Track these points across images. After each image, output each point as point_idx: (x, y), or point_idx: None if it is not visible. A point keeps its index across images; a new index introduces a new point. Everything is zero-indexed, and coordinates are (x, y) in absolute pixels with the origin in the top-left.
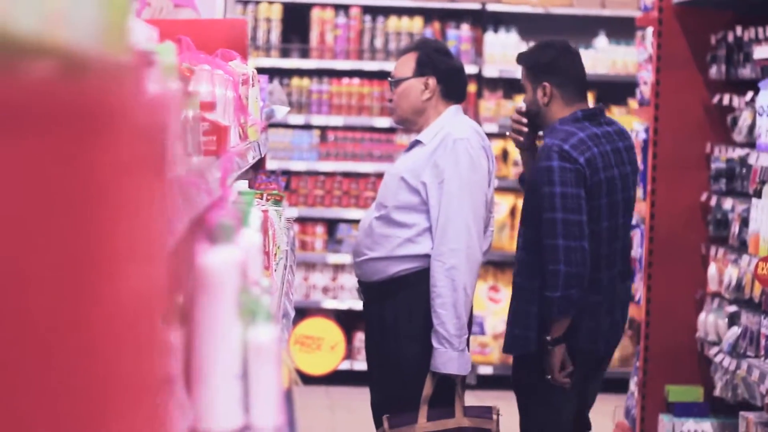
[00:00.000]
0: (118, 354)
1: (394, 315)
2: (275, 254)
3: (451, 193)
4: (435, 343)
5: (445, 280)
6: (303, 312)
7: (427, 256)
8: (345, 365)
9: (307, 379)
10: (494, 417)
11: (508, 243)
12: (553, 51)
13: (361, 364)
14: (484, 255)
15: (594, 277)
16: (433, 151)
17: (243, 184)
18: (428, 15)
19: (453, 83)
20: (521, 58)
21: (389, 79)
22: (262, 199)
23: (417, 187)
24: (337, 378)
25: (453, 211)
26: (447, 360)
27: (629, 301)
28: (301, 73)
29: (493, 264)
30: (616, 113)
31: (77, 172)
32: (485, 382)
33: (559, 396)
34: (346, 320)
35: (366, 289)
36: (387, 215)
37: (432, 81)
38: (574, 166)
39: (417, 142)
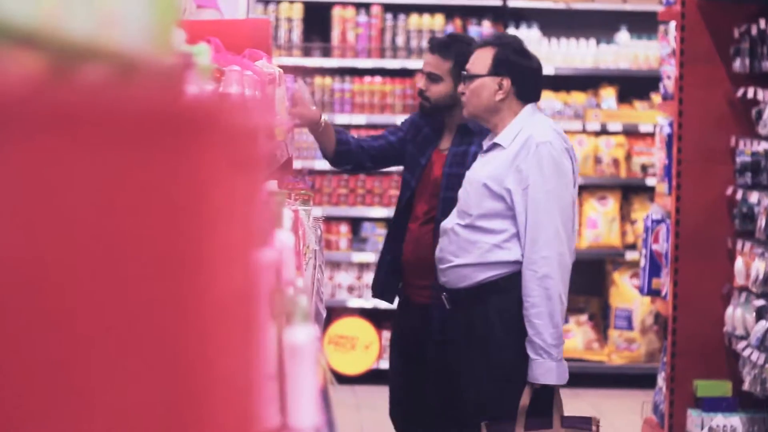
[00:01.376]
0: (220, 352)
1: (482, 321)
2: (305, 254)
3: (538, 199)
4: (532, 354)
5: (539, 289)
6: (329, 311)
7: (517, 262)
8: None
9: (335, 375)
10: (593, 428)
11: None
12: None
13: (386, 363)
14: (572, 257)
15: None
16: (515, 156)
17: (273, 184)
18: (449, 12)
19: (528, 85)
20: (450, 52)
21: (463, 72)
22: (290, 198)
23: (501, 194)
24: (364, 377)
25: (541, 217)
26: (545, 371)
27: None
28: (323, 72)
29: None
30: (638, 108)
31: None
32: None
33: None
34: (371, 319)
35: (452, 295)
36: (472, 223)
37: (507, 82)
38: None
39: (495, 145)
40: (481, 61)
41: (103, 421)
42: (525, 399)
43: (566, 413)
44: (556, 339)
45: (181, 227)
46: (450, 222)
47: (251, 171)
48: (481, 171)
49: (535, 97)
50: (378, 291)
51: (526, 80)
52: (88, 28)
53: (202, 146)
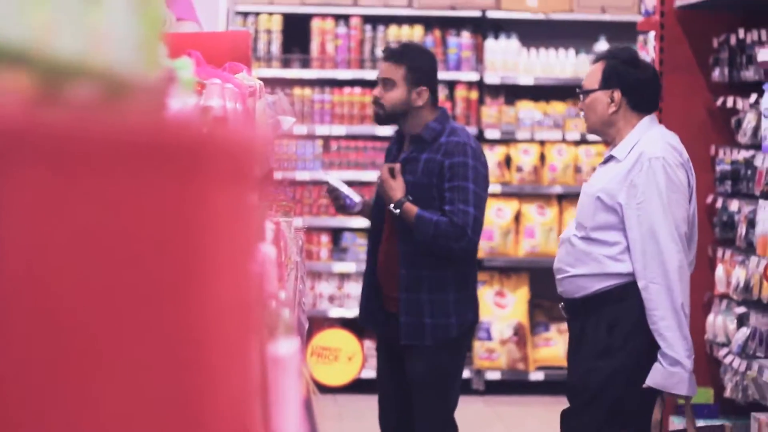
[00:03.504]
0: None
1: (596, 330)
2: (287, 265)
3: (653, 215)
4: (666, 365)
5: (665, 302)
6: (310, 321)
7: (629, 275)
8: None
9: (318, 386)
10: None
11: (513, 249)
12: (431, 57)
13: (369, 373)
14: (691, 268)
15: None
16: (629, 170)
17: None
18: (428, 23)
19: (641, 95)
20: (401, 57)
21: (577, 89)
22: (271, 210)
23: (614, 207)
24: (345, 386)
25: (658, 232)
26: (678, 381)
27: None
28: (302, 83)
29: (498, 270)
30: None
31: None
32: (493, 388)
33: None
34: (353, 329)
35: (569, 306)
36: (587, 235)
37: (617, 94)
38: (483, 170)
39: (611, 157)
40: (593, 75)
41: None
42: (657, 413)
43: (551, 421)
44: (688, 350)
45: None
46: (568, 233)
47: (246, 190)
48: (596, 184)
49: (650, 107)
50: (362, 318)
51: (637, 91)
52: (77, 47)
53: (196, 168)
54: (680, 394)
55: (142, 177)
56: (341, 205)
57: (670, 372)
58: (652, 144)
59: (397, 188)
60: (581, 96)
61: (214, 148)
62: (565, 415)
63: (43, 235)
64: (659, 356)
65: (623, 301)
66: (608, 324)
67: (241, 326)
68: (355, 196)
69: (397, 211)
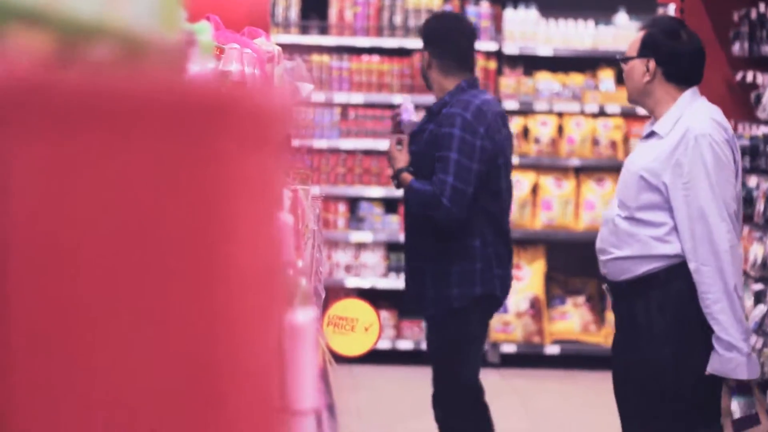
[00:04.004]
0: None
1: (645, 314)
2: (304, 234)
3: (701, 195)
4: (721, 350)
5: (718, 284)
6: (326, 291)
7: (677, 256)
8: None
9: (334, 356)
10: None
11: (530, 221)
12: (439, 22)
13: (384, 344)
14: (740, 248)
15: (499, 230)
16: (674, 148)
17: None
18: None
19: (678, 66)
20: (422, 31)
21: (617, 56)
22: (289, 177)
23: (659, 187)
24: (361, 356)
25: (707, 213)
26: (736, 366)
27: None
28: (320, 50)
29: (515, 242)
30: None
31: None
32: (508, 361)
33: (475, 347)
34: (368, 298)
35: (614, 288)
36: (631, 215)
37: (652, 63)
38: (475, 140)
39: (653, 133)
40: (634, 43)
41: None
42: (725, 400)
43: (566, 395)
44: (743, 333)
45: (200, 210)
46: (611, 212)
47: (270, 153)
48: (639, 161)
49: (690, 80)
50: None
51: (674, 61)
52: (95, 6)
53: (217, 130)
54: (741, 379)
55: (162, 138)
56: (396, 123)
57: (728, 357)
58: (698, 120)
59: (400, 159)
60: (622, 63)
61: (234, 110)
62: (624, 404)
63: (60, 195)
64: (714, 341)
65: (670, 283)
66: (658, 308)
67: (262, 292)
68: (413, 116)
69: (395, 181)
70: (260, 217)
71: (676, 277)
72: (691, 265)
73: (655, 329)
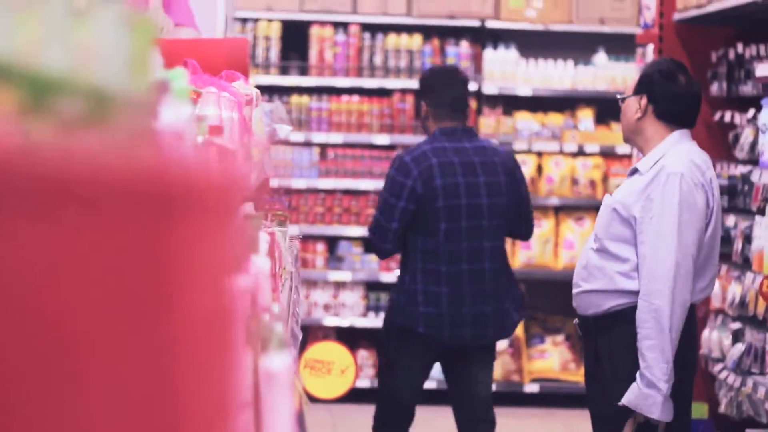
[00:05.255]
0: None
1: (609, 351)
2: (281, 275)
3: (661, 231)
4: (641, 386)
5: (652, 321)
6: (305, 330)
7: None
8: None
9: (311, 398)
10: None
11: (509, 260)
12: (432, 75)
13: (363, 382)
14: (703, 294)
15: (433, 269)
16: (648, 184)
17: (249, 206)
18: (427, 32)
19: (670, 106)
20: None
21: (618, 95)
22: (267, 219)
23: (629, 220)
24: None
25: (661, 250)
26: (651, 404)
27: (504, 290)
28: (300, 90)
29: None
30: (616, 130)
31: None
32: None
33: (398, 374)
34: (347, 338)
35: (582, 323)
36: (602, 247)
37: (644, 100)
38: (405, 180)
39: (636, 170)
40: (632, 82)
41: None
42: (628, 430)
43: None
44: (667, 374)
45: (155, 279)
46: (587, 245)
47: (225, 224)
48: (617, 195)
49: (681, 122)
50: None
51: (667, 101)
52: (65, 62)
53: (177, 199)
54: (653, 417)
55: (118, 209)
56: None
57: (645, 393)
58: (675, 159)
59: None
60: (620, 102)
61: (191, 178)
62: None
63: (21, 264)
64: (637, 375)
65: (635, 322)
66: (624, 346)
67: (220, 345)
68: None
69: None
70: (217, 278)
71: None
72: (639, 299)
73: (618, 367)
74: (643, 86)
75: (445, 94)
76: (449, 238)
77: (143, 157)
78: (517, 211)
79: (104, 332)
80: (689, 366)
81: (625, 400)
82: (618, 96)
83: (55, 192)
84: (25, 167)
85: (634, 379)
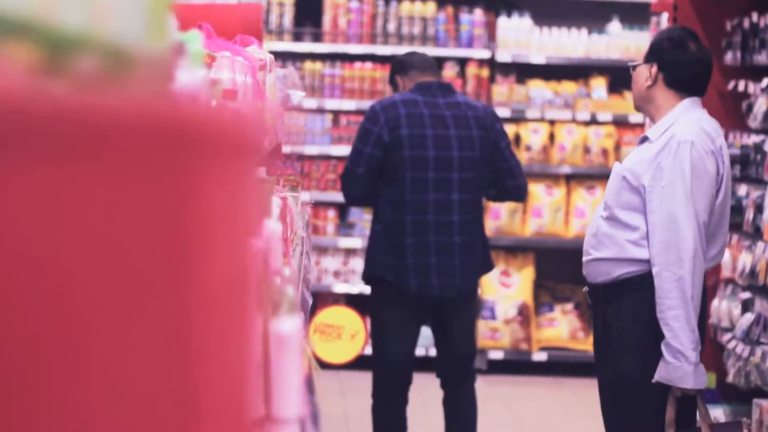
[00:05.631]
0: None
1: (618, 319)
2: (292, 240)
3: (674, 200)
4: (669, 357)
5: (675, 291)
6: (314, 296)
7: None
8: None
9: (320, 363)
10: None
11: (520, 228)
12: (394, 60)
13: (371, 350)
14: (714, 262)
15: (399, 219)
16: (658, 153)
17: (261, 171)
18: (441, 0)
19: (680, 74)
20: None
21: (629, 63)
22: (279, 184)
23: (639, 189)
24: (349, 363)
25: (678, 218)
26: (683, 375)
27: (475, 246)
28: (313, 57)
29: (504, 249)
30: (629, 98)
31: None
32: (496, 367)
33: (386, 328)
34: (357, 304)
35: (592, 291)
36: (612, 215)
37: (654, 68)
38: (372, 127)
39: (646, 138)
40: (644, 51)
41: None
42: (671, 410)
43: (553, 402)
44: (694, 342)
45: (174, 228)
46: (597, 212)
47: (243, 171)
48: (626, 163)
49: (691, 90)
50: None
51: (677, 69)
52: (82, 19)
53: (194, 148)
54: (686, 388)
55: (138, 156)
56: None
57: (675, 365)
58: (685, 127)
59: None
60: (631, 70)
61: (208, 127)
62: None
63: (39, 213)
64: (663, 347)
65: (645, 289)
66: (632, 314)
67: (238, 305)
68: None
69: None
70: (237, 232)
71: (650, 285)
72: (654, 269)
73: (626, 335)
74: (653, 54)
75: (409, 61)
76: (415, 188)
77: (162, 104)
78: (494, 167)
79: (121, 278)
80: (700, 336)
81: (657, 376)
82: (629, 64)
83: (74, 135)
84: (44, 111)
85: (641, 349)
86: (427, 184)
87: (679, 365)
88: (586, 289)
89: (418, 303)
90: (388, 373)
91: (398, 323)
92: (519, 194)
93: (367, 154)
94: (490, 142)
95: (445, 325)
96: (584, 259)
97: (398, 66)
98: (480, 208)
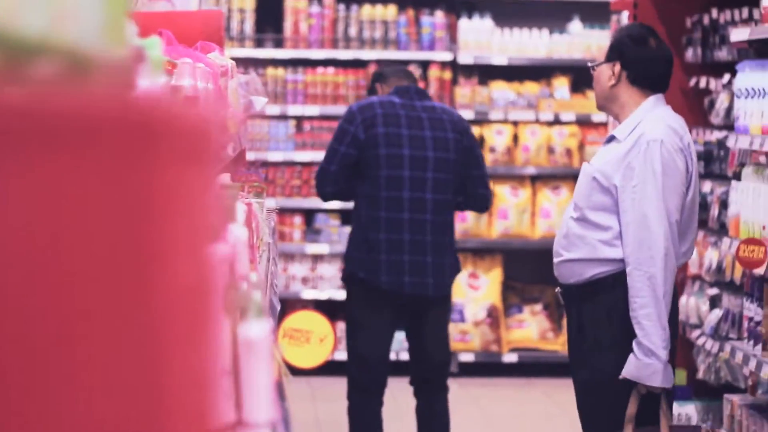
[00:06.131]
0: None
1: (592, 319)
2: (258, 246)
3: (646, 199)
4: (639, 355)
5: (647, 289)
6: (283, 303)
7: (624, 261)
8: None
9: (290, 369)
10: None
11: (486, 230)
12: (374, 71)
13: (341, 355)
14: (684, 258)
15: (373, 216)
16: (627, 152)
17: (226, 177)
18: (402, 2)
19: (643, 71)
20: None
21: (589, 63)
22: (243, 191)
23: (610, 189)
24: (319, 368)
25: (649, 217)
26: (652, 372)
27: (445, 247)
28: (275, 63)
29: (471, 251)
30: (591, 98)
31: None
32: (466, 370)
33: (359, 327)
34: (326, 310)
35: (564, 291)
36: (583, 216)
37: (617, 67)
38: (348, 127)
39: (613, 137)
40: (604, 50)
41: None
42: (632, 406)
43: (525, 403)
44: (665, 340)
45: (134, 228)
46: (566, 213)
47: (204, 171)
48: (595, 163)
49: (655, 86)
50: None
51: (637, 65)
52: (42, 24)
53: (155, 147)
54: (654, 386)
55: (96, 155)
56: None
57: (645, 363)
58: (653, 126)
59: None
60: (592, 70)
61: (170, 127)
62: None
63: None
64: (634, 345)
65: (617, 289)
66: (605, 313)
67: (202, 309)
68: None
69: None
70: (197, 232)
71: (623, 283)
72: (627, 268)
73: (601, 335)
74: (615, 53)
75: (388, 70)
76: (390, 186)
77: (122, 107)
78: (467, 174)
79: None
80: (672, 333)
81: (625, 372)
82: (590, 64)
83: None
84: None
85: (616, 347)
86: (402, 182)
87: (650, 363)
88: (558, 289)
89: (391, 302)
90: (362, 373)
91: (372, 322)
92: (487, 204)
93: (341, 153)
94: (464, 146)
95: (418, 328)
96: (555, 260)
97: (378, 75)
98: (451, 210)
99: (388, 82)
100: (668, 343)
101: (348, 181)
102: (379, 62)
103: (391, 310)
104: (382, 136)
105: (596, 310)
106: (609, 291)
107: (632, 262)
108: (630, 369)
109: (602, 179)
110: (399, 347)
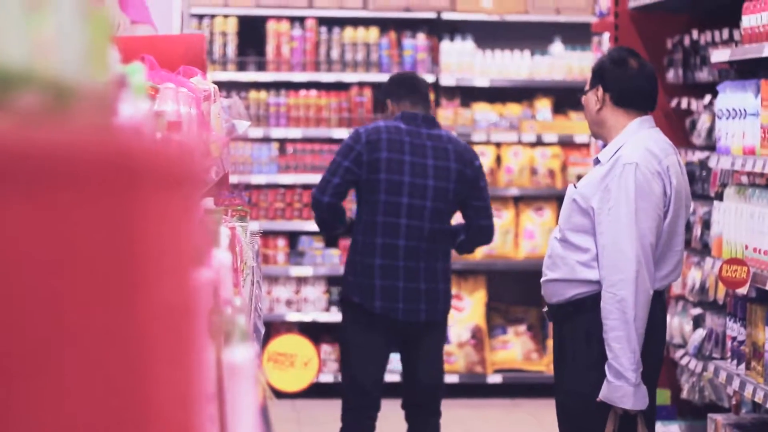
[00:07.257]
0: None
1: (572, 339)
2: (242, 270)
3: (619, 220)
4: (611, 378)
5: (617, 312)
6: (267, 326)
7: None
8: None
9: (275, 392)
10: None
11: None
12: (394, 79)
13: (326, 377)
14: (667, 281)
15: (370, 241)
16: (605, 175)
17: (209, 201)
18: (384, 25)
19: (622, 91)
20: None
21: (579, 94)
22: (227, 215)
23: (588, 211)
24: (303, 391)
25: (621, 239)
26: (622, 395)
27: (437, 272)
28: (258, 86)
29: (455, 273)
30: (574, 119)
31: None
32: (451, 391)
33: (354, 351)
34: (310, 333)
35: (550, 310)
36: (564, 237)
37: (600, 91)
38: (354, 145)
39: (597, 160)
40: (587, 71)
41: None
42: (609, 426)
43: (510, 424)
44: (634, 363)
45: (118, 257)
46: (552, 233)
47: (187, 198)
48: (579, 185)
49: (639, 106)
50: None
51: (620, 86)
52: (23, 54)
53: (137, 179)
54: (626, 408)
55: (81, 189)
56: None
57: (615, 386)
58: (632, 149)
59: None
60: (582, 98)
61: (152, 158)
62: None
63: None
64: (606, 367)
65: (595, 310)
66: (585, 334)
67: (186, 335)
68: None
69: None
70: (180, 262)
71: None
72: (602, 290)
73: (580, 355)
74: (596, 77)
75: (405, 92)
76: (388, 212)
77: (105, 137)
78: (470, 206)
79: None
80: (656, 354)
81: (601, 395)
82: (579, 95)
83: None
84: None
85: (593, 368)
86: (400, 208)
87: (619, 385)
88: (545, 308)
89: (385, 327)
90: (355, 395)
91: (365, 345)
92: (489, 235)
93: (344, 167)
94: (466, 176)
95: (410, 353)
96: (542, 279)
97: (393, 90)
98: (447, 238)
99: (400, 104)
100: (638, 366)
101: (342, 198)
102: (361, 84)
103: (385, 335)
104: (384, 161)
105: (576, 331)
106: (588, 312)
107: (605, 285)
108: (604, 392)
109: (581, 201)
110: (391, 367)
